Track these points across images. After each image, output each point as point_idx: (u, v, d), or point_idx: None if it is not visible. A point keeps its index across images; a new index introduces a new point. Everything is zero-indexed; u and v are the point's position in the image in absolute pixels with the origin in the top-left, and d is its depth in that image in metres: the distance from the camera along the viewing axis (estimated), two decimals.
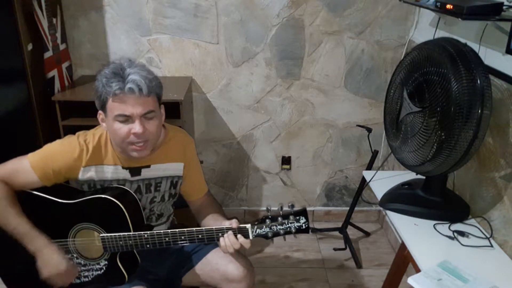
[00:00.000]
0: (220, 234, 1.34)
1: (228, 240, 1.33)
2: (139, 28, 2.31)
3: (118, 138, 1.32)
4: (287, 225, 1.31)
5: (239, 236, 1.33)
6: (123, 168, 1.42)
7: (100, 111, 1.34)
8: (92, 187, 1.42)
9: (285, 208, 1.33)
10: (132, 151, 1.34)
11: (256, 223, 1.33)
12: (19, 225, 1.30)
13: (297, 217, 1.31)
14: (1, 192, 1.32)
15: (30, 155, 1.36)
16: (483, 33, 1.56)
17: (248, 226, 1.33)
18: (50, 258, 1.31)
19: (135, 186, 1.45)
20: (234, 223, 1.35)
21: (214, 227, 1.34)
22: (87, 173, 1.39)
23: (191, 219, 1.60)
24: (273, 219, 1.32)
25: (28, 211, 1.34)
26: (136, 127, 1.28)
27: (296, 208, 1.32)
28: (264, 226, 1.32)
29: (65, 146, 1.38)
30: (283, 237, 1.34)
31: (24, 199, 1.35)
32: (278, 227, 1.32)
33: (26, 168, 1.34)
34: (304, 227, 1.32)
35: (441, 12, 1.61)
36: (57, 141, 1.41)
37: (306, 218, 1.31)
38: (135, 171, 1.44)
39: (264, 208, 2.75)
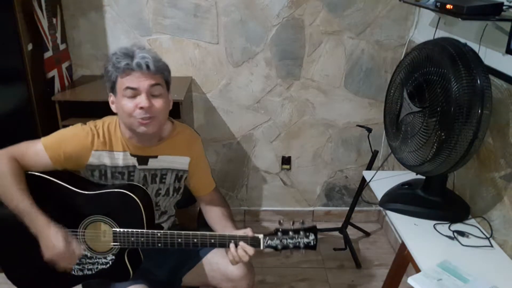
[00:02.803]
0: (232, 242, 1.35)
1: (236, 253, 1.34)
2: (139, 28, 2.31)
3: (125, 114, 1.34)
4: (297, 240, 1.35)
5: (242, 243, 1.34)
6: (131, 155, 1.44)
7: (110, 94, 1.38)
8: (103, 175, 1.43)
9: (296, 224, 1.36)
10: (139, 125, 1.35)
11: (268, 234, 1.36)
12: (21, 202, 1.28)
13: (307, 233, 1.35)
14: (9, 167, 1.31)
15: (43, 138, 1.39)
16: (483, 33, 1.56)
17: (261, 236, 1.36)
18: (48, 240, 1.28)
19: (142, 175, 1.46)
20: (248, 232, 1.36)
21: (227, 234, 1.36)
22: (98, 158, 1.41)
23: (192, 219, 1.60)
24: (285, 232, 1.35)
25: (43, 196, 1.33)
26: (143, 101, 1.31)
27: (307, 225, 1.35)
28: (276, 238, 1.35)
29: (78, 131, 1.41)
30: (290, 251, 1.37)
31: (40, 184, 1.35)
32: (288, 240, 1.35)
33: (39, 148, 1.36)
34: (312, 243, 1.35)
35: (441, 12, 1.61)
36: (70, 127, 1.44)
37: (315, 235, 1.35)
38: (142, 159, 1.45)
39: (264, 209, 2.76)
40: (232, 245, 1.35)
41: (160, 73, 1.34)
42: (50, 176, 1.37)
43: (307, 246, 1.35)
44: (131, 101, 1.32)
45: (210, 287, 1.55)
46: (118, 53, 1.32)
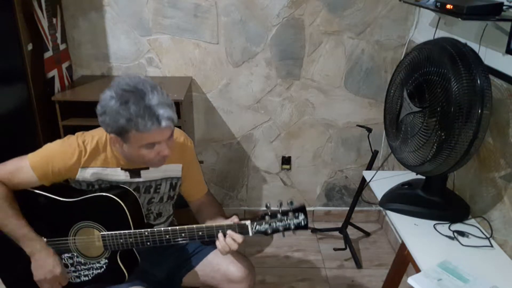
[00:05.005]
0: (220, 231, 1.34)
1: (224, 242, 1.33)
2: (139, 28, 2.31)
3: (142, 159, 1.33)
4: (286, 222, 1.32)
5: (230, 232, 1.33)
6: (122, 169, 1.42)
7: (112, 135, 1.30)
8: (91, 185, 1.42)
9: (284, 205, 1.34)
10: (153, 165, 1.38)
11: (255, 219, 1.34)
12: (17, 227, 1.31)
13: (296, 214, 1.32)
14: (0, 193, 1.32)
15: (30, 155, 1.36)
16: (483, 33, 1.56)
17: (248, 222, 1.33)
18: (44, 262, 1.32)
19: (133, 186, 1.45)
20: (234, 220, 1.35)
21: (214, 225, 1.35)
22: (85, 174, 1.39)
23: (191, 219, 1.60)
24: (273, 215, 1.32)
25: (29, 209, 1.35)
26: (166, 150, 1.31)
27: (295, 205, 1.32)
28: (264, 223, 1.33)
29: (65, 147, 1.37)
30: (282, 234, 1.34)
31: (25, 197, 1.35)
32: (277, 223, 1.32)
33: (26, 167, 1.34)
34: (303, 223, 1.32)
35: (441, 12, 1.61)
36: (57, 141, 1.40)
37: (305, 214, 1.32)
38: (134, 172, 1.44)
39: (264, 208, 2.75)
40: (220, 235, 1.33)
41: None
42: (34, 188, 1.37)
43: (298, 227, 1.32)
44: (151, 151, 1.30)
45: None
46: (133, 108, 1.20)
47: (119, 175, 1.42)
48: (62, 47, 2.24)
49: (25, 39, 1.89)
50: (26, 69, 1.91)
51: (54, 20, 2.14)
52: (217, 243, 1.34)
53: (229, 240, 1.32)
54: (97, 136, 1.40)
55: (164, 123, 1.23)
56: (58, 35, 2.20)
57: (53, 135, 1.44)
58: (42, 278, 1.33)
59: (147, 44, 2.34)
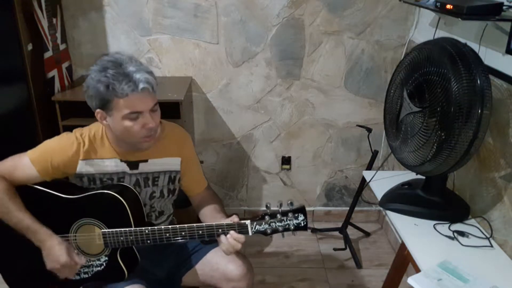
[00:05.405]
0: (220, 230, 1.35)
1: (228, 243, 1.34)
2: (139, 28, 2.31)
3: (129, 134, 1.33)
4: (286, 222, 1.33)
5: (232, 232, 1.34)
6: (121, 161, 1.44)
7: (98, 110, 1.33)
8: (92, 181, 1.43)
9: (284, 206, 1.34)
10: (143, 142, 1.37)
11: (255, 219, 1.34)
12: (22, 219, 1.31)
13: (296, 215, 1.33)
14: (1, 187, 1.32)
15: (29, 151, 1.38)
16: (483, 33, 1.56)
17: (248, 222, 1.34)
18: (52, 250, 1.31)
19: (134, 180, 1.46)
20: (234, 219, 1.36)
21: (214, 223, 1.35)
22: (85, 166, 1.40)
23: (191, 219, 1.60)
24: (272, 216, 1.33)
25: (30, 205, 1.35)
26: (151, 121, 1.31)
27: (295, 206, 1.33)
28: (263, 223, 1.33)
29: (63, 141, 1.40)
30: (281, 234, 1.35)
31: (26, 193, 1.36)
32: (277, 224, 1.33)
33: (26, 163, 1.36)
34: (302, 224, 1.33)
35: (441, 12, 1.61)
36: (55, 137, 1.43)
37: (305, 215, 1.33)
38: (132, 165, 1.45)
39: (264, 208, 2.75)
40: (223, 236, 1.34)
41: (156, 87, 1.33)
42: (35, 184, 1.38)
43: (298, 228, 1.33)
44: (136, 123, 1.30)
45: (210, 287, 1.55)
46: (111, 72, 1.26)
47: (118, 166, 1.43)
48: (62, 47, 2.24)
49: (25, 39, 1.89)
50: (26, 69, 1.91)
51: (54, 20, 2.14)
52: (221, 245, 1.35)
53: (232, 240, 1.33)
54: (94, 129, 1.43)
55: (141, 85, 1.26)
56: (58, 35, 2.20)
57: (53, 135, 1.43)
58: (51, 267, 1.33)
59: (147, 44, 2.34)
